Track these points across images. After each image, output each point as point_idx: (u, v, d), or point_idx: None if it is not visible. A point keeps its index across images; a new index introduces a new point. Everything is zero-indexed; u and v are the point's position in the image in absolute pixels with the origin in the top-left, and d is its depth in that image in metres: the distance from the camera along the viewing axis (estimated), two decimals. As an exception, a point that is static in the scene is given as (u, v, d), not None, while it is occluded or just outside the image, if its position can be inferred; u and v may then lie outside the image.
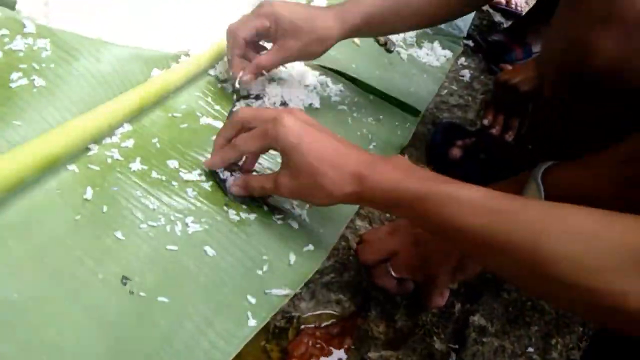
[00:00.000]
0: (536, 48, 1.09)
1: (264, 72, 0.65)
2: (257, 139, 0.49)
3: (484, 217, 0.37)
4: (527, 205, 0.37)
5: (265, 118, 0.49)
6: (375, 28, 0.69)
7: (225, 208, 0.54)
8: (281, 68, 0.77)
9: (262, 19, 0.61)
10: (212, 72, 0.70)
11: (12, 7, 0.60)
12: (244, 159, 0.56)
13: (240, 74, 0.63)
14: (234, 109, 0.66)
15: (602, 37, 0.45)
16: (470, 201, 0.39)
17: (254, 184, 0.52)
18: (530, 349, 0.57)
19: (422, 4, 0.66)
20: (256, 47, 0.68)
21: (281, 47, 0.63)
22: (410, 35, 1.06)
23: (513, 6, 1.44)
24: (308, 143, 0.47)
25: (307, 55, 0.65)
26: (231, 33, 0.63)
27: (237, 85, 0.65)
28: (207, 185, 0.55)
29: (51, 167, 0.48)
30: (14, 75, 0.52)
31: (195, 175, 0.55)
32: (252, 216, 0.54)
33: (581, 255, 0.32)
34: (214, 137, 0.56)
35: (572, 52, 0.49)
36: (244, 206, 0.55)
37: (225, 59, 0.68)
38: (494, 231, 0.36)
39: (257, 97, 0.68)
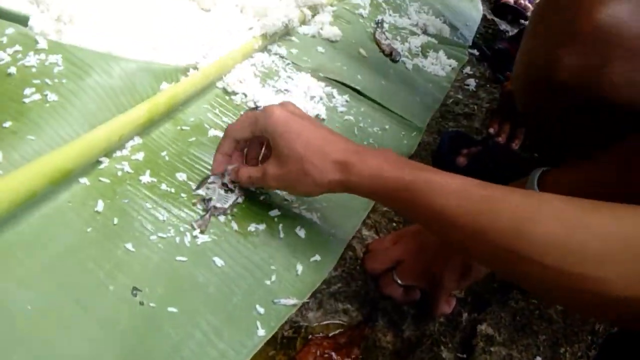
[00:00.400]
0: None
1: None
2: (247, 126, 0.52)
3: (469, 203, 0.38)
4: (511, 191, 0.38)
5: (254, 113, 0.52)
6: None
7: (229, 217, 0.55)
8: (288, 79, 0.78)
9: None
10: (220, 84, 0.72)
11: (24, 23, 0.62)
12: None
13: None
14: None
15: (565, 54, 0.47)
16: (455, 188, 0.39)
17: (243, 172, 0.54)
18: (539, 358, 0.56)
19: None
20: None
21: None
22: (416, 45, 1.07)
23: (522, 2, 1.45)
24: (295, 131, 0.48)
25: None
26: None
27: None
28: (215, 197, 0.56)
29: (63, 180, 0.49)
30: (27, 91, 0.53)
31: (200, 191, 0.56)
32: (260, 227, 0.55)
33: (566, 240, 0.33)
34: None
35: (538, 69, 0.51)
36: (251, 218, 0.56)
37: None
38: (479, 216, 0.37)
39: None
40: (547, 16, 0.50)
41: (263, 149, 0.57)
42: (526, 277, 0.36)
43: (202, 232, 0.52)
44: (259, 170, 0.52)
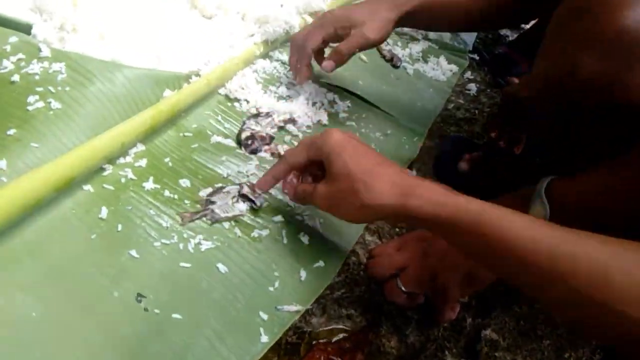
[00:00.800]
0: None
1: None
2: (304, 149, 0.52)
3: (546, 244, 0.35)
4: (588, 235, 0.36)
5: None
6: (423, 20, 0.75)
7: (232, 224, 0.55)
8: (289, 86, 0.78)
9: (328, 28, 0.68)
10: (222, 91, 0.72)
11: (27, 32, 0.62)
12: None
13: (324, 64, 0.71)
14: (244, 127, 0.67)
15: (587, 57, 0.46)
16: (532, 228, 0.37)
17: (299, 188, 0.54)
18: (543, 363, 0.56)
19: (472, 6, 0.72)
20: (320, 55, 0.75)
21: (356, 34, 0.68)
22: (417, 50, 1.07)
23: None
24: (351, 151, 0.48)
25: (378, 38, 0.69)
26: (297, 45, 0.71)
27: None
28: (218, 203, 0.56)
29: (67, 187, 0.49)
30: (31, 99, 0.53)
31: (206, 194, 0.56)
32: (264, 233, 0.55)
33: None
34: (224, 157, 0.58)
35: (560, 72, 0.50)
36: (255, 224, 0.56)
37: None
38: (557, 260, 0.35)
39: (267, 115, 0.69)
40: (569, 19, 0.50)
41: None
42: (608, 329, 0.34)
43: (181, 224, 0.52)
44: (311, 186, 0.51)
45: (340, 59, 0.70)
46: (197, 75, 0.69)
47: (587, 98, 0.47)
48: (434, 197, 0.42)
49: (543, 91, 0.54)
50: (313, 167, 0.54)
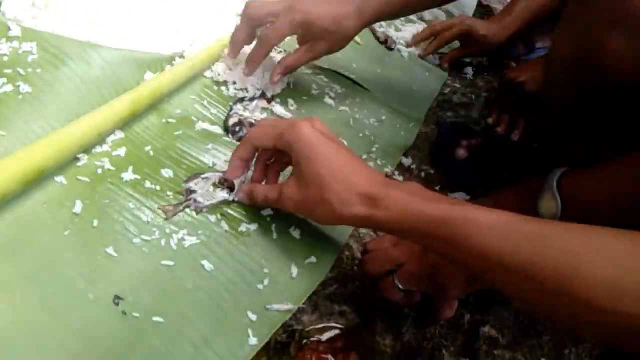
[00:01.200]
0: (539, 44, 1.06)
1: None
2: (271, 137, 0.48)
3: (513, 241, 0.35)
4: (558, 229, 0.35)
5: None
6: (390, 17, 0.74)
7: (219, 217, 0.51)
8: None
9: (295, 28, 0.63)
10: (208, 74, 0.68)
11: (-4, 9, 0.58)
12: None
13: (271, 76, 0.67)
14: (231, 113, 0.63)
15: (613, 38, 0.44)
16: (496, 224, 0.36)
17: (259, 192, 0.51)
18: (544, 360, 0.54)
19: None
20: None
21: (310, 50, 0.65)
22: (411, 32, 1.04)
23: None
24: (322, 154, 0.45)
25: (330, 53, 0.67)
26: (251, 19, 0.64)
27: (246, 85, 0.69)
28: (203, 195, 0.53)
29: (38, 179, 0.45)
30: (-2, 82, 0.49)
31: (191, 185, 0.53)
32: (252, 227, 0.52)
33: (620, 281, 0.30)
34: (210, 145, 0.54)
35: (583, 54, 0.47)
36: (243, 217, 0.52)
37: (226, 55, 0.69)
38: (525, 256, 0.34)
39: (252, 99, 0.66)
40: None
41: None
42: (575, 318, 0.34)
43: (166, 219, 0.49)
44: (276, 190, 0.49)
45: (287, 72, 0.67)
46: (182, 57, 0.65)
47: (612, 80, 0.44)
48: (402, 207, 0.41)
49: (560, 73, 0.51)
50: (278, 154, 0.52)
